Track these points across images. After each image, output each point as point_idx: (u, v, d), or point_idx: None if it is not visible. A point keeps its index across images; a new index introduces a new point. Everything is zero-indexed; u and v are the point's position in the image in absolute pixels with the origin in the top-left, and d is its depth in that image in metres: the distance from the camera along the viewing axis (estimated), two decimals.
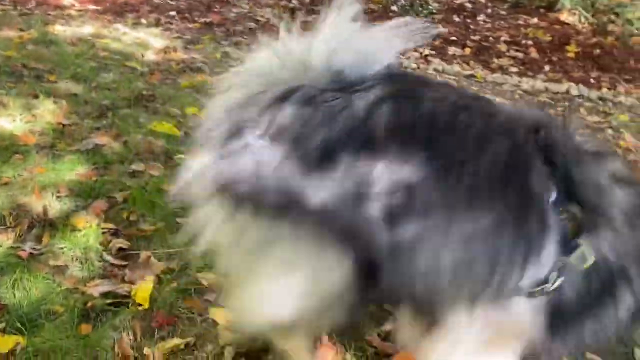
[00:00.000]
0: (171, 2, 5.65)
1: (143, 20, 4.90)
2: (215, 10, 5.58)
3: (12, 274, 1.65)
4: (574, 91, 4.43)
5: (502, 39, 5.36)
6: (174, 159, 2.53)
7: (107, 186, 2.22)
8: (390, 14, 5.68)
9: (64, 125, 2.70)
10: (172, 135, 2.73)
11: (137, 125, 2.80)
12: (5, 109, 2.77)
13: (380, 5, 5.83)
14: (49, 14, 4.78)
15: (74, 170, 2.29)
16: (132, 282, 1.70)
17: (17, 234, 1.85)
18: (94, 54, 3.83)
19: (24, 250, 1.77)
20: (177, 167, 2.40)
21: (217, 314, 1.60)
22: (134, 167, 2.40)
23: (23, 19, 4.54)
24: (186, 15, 5.30)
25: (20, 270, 1.67)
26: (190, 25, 5.04)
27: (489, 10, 6.02)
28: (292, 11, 5.82)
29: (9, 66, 3.37)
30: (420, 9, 5.64)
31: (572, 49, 5.27)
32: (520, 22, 5.81)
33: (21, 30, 4.16)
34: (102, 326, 1.53)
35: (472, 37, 5.32)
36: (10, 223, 1.91)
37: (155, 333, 1.54)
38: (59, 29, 4.29)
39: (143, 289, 1.66)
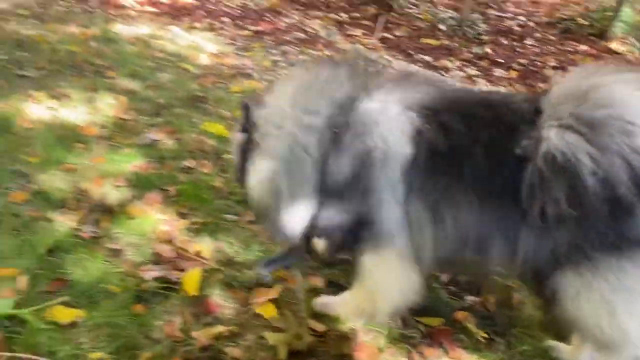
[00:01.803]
0: (225, 9, 5.83)
1: (197, 25, 5.08)
2: (267, 19, 5.74)
3: (75, 253, 1.77)
4: None
5: (550, 64, 5.34)
6: (223, 158, 2.65)
7: (161, 179, 2.34)
8: (438, 32, 5.72)
9: (122, 119, 2.85)
10: (222, 136, 2.85)
11: (190, 125, 2.93)
12: (69, 100, 2.95)
13: (428, 24, 5.89)
14: (110, 13, 5.00)
15: (131, 162, 2.43)
16: (181, 270, 1.80)
17: (79, 217, 1.97)
18: (151, 54, 4.00)
19: (84, 232, 1.90)
20: (225, 166, 2.52)
21: (264, 309, 1.68)
22: (186, 163, 2.52)
23: (86, 16, 4.77)
24: (238, 22, 5.47)
25: (81, 250, 1.79)
26: (242, 33, 5.19)
27: (538, 35, 5.99)
28: (340, 24, 5.93)
29: (72, 60, 3.57)
30: (467, 29, 5.67)
31: None
32: (569, 48, 5.77)
33: (84, 27, 4.37)
34: (154, 308, 1.63)
35: (519, 60, 5.31)
36: (72, 206, 2.04)
37: (202, 319, 1.63)
38: (119, 28, 4.50)
39: (192, 277, 1.76)
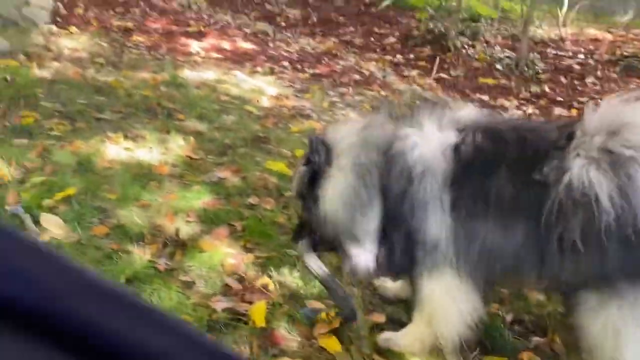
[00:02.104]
0: (284, 54, 6.09)
1: (259, 69, 5.33)
2: (324, 62, 5.94)
3: (151, 284, 1.89)
4: None
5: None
6: (285, 195, 2.75)
7: (228, 215, 2.46)
8: (495, 72, 5.74)
9: (192, 158, 3.02)
10: (284, 174, 2.96)
11: (253, 163, 3.06)
12: (143, 141, 3.16)
13: (484, 64, 5.91)
14: (178, 60, 5.33)
15: (200, 198, 2.56)
16: (249, 302, 1.87)
17: (155, 250, 2.10)
18: (217, 97, 4.23)
19: (159, 264, 2.02)
20: (288, 203, 2.62)
21: (328, 343, 1.72)
22: (250, 200, 2.64)
23: (156, 63, 5.11)
24: (297, 66, 5.69)
25: (157, 281, 1.91)
26: (301, 75, 5.40)
27: (599, 73, 5.89)
28: (395, 65, 6.06)
29: (146, 104, 3.82)
30: (525, 68, 5.65)
31: None
32: (633, 85, 5.63)
33: (155, 73, 4.68)
34: (224, 338, 1.70)
35: (579, 99, 5.23)
36: (148, 240, 2.18)
37: (269, 350, 1.69)
38: (186, 73, 4.78)
39: (258, 309, 1.83)
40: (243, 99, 4.33)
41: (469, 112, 1.71)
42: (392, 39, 6.75)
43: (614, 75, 5.85)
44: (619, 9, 8.75)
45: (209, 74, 4.87)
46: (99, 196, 2.48)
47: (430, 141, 1.59)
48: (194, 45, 5.78)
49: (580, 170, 1.37)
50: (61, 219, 2.22)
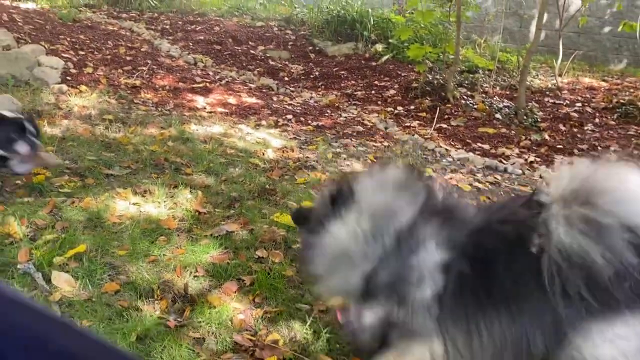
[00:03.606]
0: (287, 107, 6.23)
1: (264, 122, 5.45)
2: (327, 114, 6.07)
3: (162, 341, 1.89)
4: None
5: (612, 148, 5.30)
6: (293, 247, 2.76)
7: (236, 269, 2.47)
8: (494, 121, 5.85)
9: (199, 212, 3.06)
10: (291, 226, 2.98)
11: (261, 216, 3.10)
12: (151, 196, 3.21)
13: (484, 113, 6.03)
14: (185, 115, 5.45)
15: (208, 253, 2.58)
16: (260, 359, 1.86)
17: (164, 307, 2.11)
18: (223, 151, 4.31)
19: (169, 320, 2.02)
20: (295, 255, 2.63)
21: None
22: (258, 253, 2.65)
23: (163, 118, 5.22)
24: (301, 118, 5.82)
25: (167, 338, 1.90)
26: (305, 128, 5.51)
27: (597, 120, 6.00)
28: (397, 116, 6.18)
29: (154, 159, 3.90)
30: (524, 117, 5.77)
31: None
32: (631, 132, 5.72)
33: (162, 128, 4.78)
34: None
35: (579, 146, 5.31)
36: (157, 296, 2.19)
37: None
38: (193, 128, 4.89)
39: None
40: (249, 152, 4.41)
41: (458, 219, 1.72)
42: (392, 91, 6.92)
43: (612, 122, 5.96)
44: (613, 58, 9.00)
45: (215, 128, 4.98)
46: (109, 252, 2.50)
47: (427, 253, 1.63)
48: (200, 101, 5.92)
49: (566, 235, 1.44)
50: (72, 276, 2.24)
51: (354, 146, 5.07)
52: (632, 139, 5.54)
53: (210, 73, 7.12)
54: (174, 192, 3.29)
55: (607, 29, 8.84)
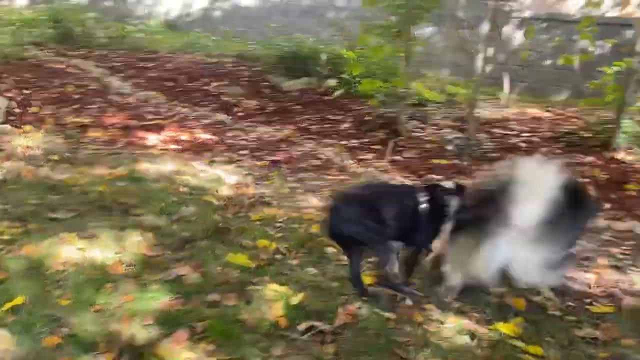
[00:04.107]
0: (242, 142, 6.18)
1: (217, 159, 5.37)
2: (282, 149, 6.05)
3: None
4: (638, 229, 4.37)
5: None
6: (247, 290, 2.68)
7: (187, 315, 2.37)
8: (446, 153, 5.96)
9: (149, 256, 2.94)
10: (246, 267, 2.91)
11: (214, 257, 3.01)
12: (98, 240, 3.07)
13: (436, 145, 6.15)
14: (135, 153, 5.32)
15: (158, 299, 2.47)
16: None
17: None
18: (175, 190, 4.20)
19: None
20: (251, 298, 2.55)
21: None
22: (211, 297, 2.56)
23: (113, 157, 5.08)
24: (256, 153, 5.77)
25: None
26: (260, 163, 5.46)
27: (544, 149, 6.21)
28: (351, 149, 6.22)
29: (101, 201, 3.76)
30: (475, 148, 5.91)
31: (632, 187, 5.28)
32: (576, 160, 5.93)
33: (111, 167, 4.64)
34: None
35: None
36: (103, 349, 2.06)
37: None
38: (144, 167, 4.75)
39: None
40: (202, 189, 4.32)
41: None
42: (346, 125, 6.98)
43: (558, 151, 6.18)
44: (555, 90, 9.42)
45: (167, 166, 4.86)
46: (50, 303, 2.36)
47: None
48: (152, 139, 5.81)
49: None
50: (8, 332, 2.09)
51: (310, 180, 5.05)
52: (577, 167, 5.75)
53: (163, 110, 7.02)
54: (122, 235, 3.16)
55: (548, 62, 9.27)
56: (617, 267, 3.39)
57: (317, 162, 5.69)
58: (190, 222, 3.53)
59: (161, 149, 5.58)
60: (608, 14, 9.13)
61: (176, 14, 12.48)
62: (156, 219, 3.53)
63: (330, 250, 3.24)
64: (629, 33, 7.40)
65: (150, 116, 6.57)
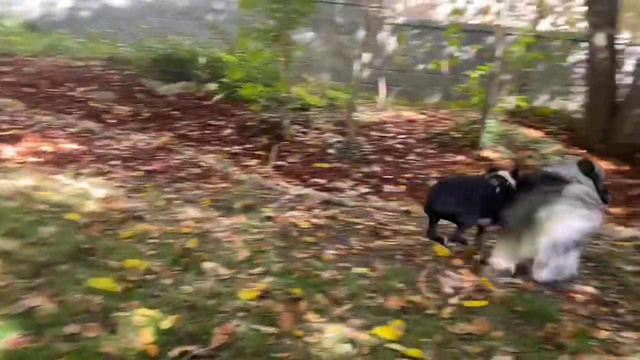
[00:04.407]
0: (113, 152, 5.75)
1: (85, 171, 4.92)
2: (158, 157, 5.72)
3: None
4: None
5: (433, 175, 5.74)
6: (112, 317, 2.42)
7: (38, 354, 2.07)
8: (328, 156, 6.01)
9: None
10: (111, 291, 2.64)
11: (74, 282, 2.69)
12: None
13: (318, 149, 6.18)
14: None
15: (2, 338, 2.14)
16: None
17: None
18: (33, 207, 3.76)
19: None
20: (115, 326, 2.30)
21: None
22: (69, 329, 2.27)
23: None
24: (129, 163, 5.39)
25: None
26: (133, 173, 5.10)
27: (419, 150, 6.49)
28: (234, 156, 6.05)
29: None
30: (355, 151, 6.02)
31: None
32: (448, 159, 6.28)
33: None
34: None
35: (405, 175, 5.66)
36: None
37: None
38: None
39: None
40: (65, 205, 3.91)
41: None
42: (228, 131, 6.80)
43: (431, 151, 6.50)
44: (427, 93, 9.97)
45: (25, 181, 4.36)
46: None
47: None
48: (7, 151, 5.21)
49: None
50: None
51: (189, 190, 4.80)
52: (449, 165, 6.08)
53: (21, 119, 6.35)
54: None
55: (421, 67, 9.78)
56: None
57: (197, 171, 5.45)
58: (48, 244, 3.15)
59: (18, 162, 5.01)
60: (472, 22, 9.85)
61: (38, 14, 11.43)
62: (7, 242, 3.11)
63: (208, 264, 3.07)
64: (490, 39, 8.00)
65: (5, 126, 5.89)
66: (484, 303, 2.85)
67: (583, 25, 8.00)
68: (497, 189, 3.49)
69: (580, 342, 2.48)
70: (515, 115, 7.86)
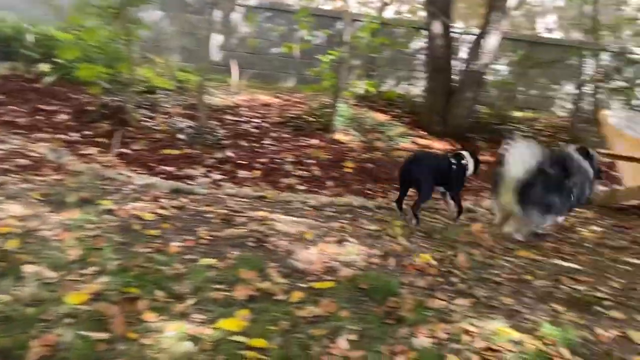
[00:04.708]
0: None
1: None
2: None
3: None
4: (356, 202, 4.83)
5: (288, 159, 5.73)
6: None
7: None
8: (178, 142, 5.71)
9: None
10: None
11: None
12: None
13: (167, 135, 5.85)
14: None
15: None
16: None
17: None
18: None
19: None
20: None
21: None
22: None
23: None
24: None
25: None
26: None
27: (274, 134, 6.45)
28: (71, 144, 5.49)
29: None
30: (207, 136, 5.79)
31: (349, 165, 5.85)
32: (302, 143, 6.32)
33: None
34: None
35: (260, 160, 5.58)
36: None
37: None
38: None
39: None
40: None
41: None
42: (64, 116, 6.15)
43: (286, 135, 6.49)
44: (283, 77, 9.98)
45: None
46: None
47: None
48: None
49: None
50: None
51: (14, 184, 4.23)
52: (303, 149, 6.12)
53: None
54: None
55: (275, 50, 9.73)
56: (338, 241, 3.64)
57: (26, 162, 4.83)
58: None
59: None
60: (323, 7, 10.02)
61: None
62: None
63: (30, 268, 2.70)
64: (340, 25, 8.19)
65: None
66: (331, 284, 2.88)
67: (423, 13, 8.53)
68: (454, 166, 4.37)
69: (418, 314, 2.61)
70: (365, 100, 8.18)
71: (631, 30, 8.63)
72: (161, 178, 4.80)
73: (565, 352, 2.41)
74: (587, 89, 8.88)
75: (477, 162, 4.54)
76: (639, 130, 6.12)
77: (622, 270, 3.78)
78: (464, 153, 4.53)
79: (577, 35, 9.41)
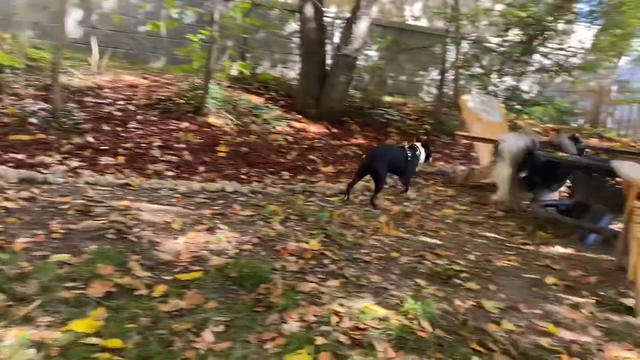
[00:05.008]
0: None
1: None
2: None
3: None
4: (229, 188, 4.70)
5: (155, 144, 5.42)
6: None
7: None
8: (30, 127, 5.15)
9: None
10: None
11: None
12: None
13: (16, 119, 5.24)
14: None
15: None
16: None
17: None
18: None
19: None
20: None
21: None
22: None
23: None
24: None
25: None
26: None
27: (140, 117, 6.06)
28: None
29: None
30: (64, 120, 5.28)
31: (222, 149, 5.68)
32: (172, 126, 6.01)
33: None
34: None
35: (124, 145, 5.22)
36: None
37: None
38: None
39: None
40: None
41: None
42: None
43: (154, 118, 6.13)
44: (151, 56, 9.42)
45: None
46: None
47: None
48: None
49: None
50: None
51: None
52: (173, 133, 5.83)
53: None
54: None
55: (142, 28, 9.15)
56: (208, 229, 3.51)
57: None
58: None
59: None
60: None
61: None
62: None
63: None
64: (210, 4, 7.87)
65: None
66: (199, 275, 2.76)
67: None
68: (409, 157, 4.91)
69: (288, 299, 2.58)
70: (239, 82, 8.00)
71: (487, 21, 9.32)
72: (8, 167, 4.29)
73: (427, 325, 2.53)
74: (450, 75, 9.49)
75: (428, 153, 5.11)
76: (493, 114, 6.67)
77: (478, 243, 4.09)
78: (417, 144, 5.05)
79: (440, 24, 9.98)
